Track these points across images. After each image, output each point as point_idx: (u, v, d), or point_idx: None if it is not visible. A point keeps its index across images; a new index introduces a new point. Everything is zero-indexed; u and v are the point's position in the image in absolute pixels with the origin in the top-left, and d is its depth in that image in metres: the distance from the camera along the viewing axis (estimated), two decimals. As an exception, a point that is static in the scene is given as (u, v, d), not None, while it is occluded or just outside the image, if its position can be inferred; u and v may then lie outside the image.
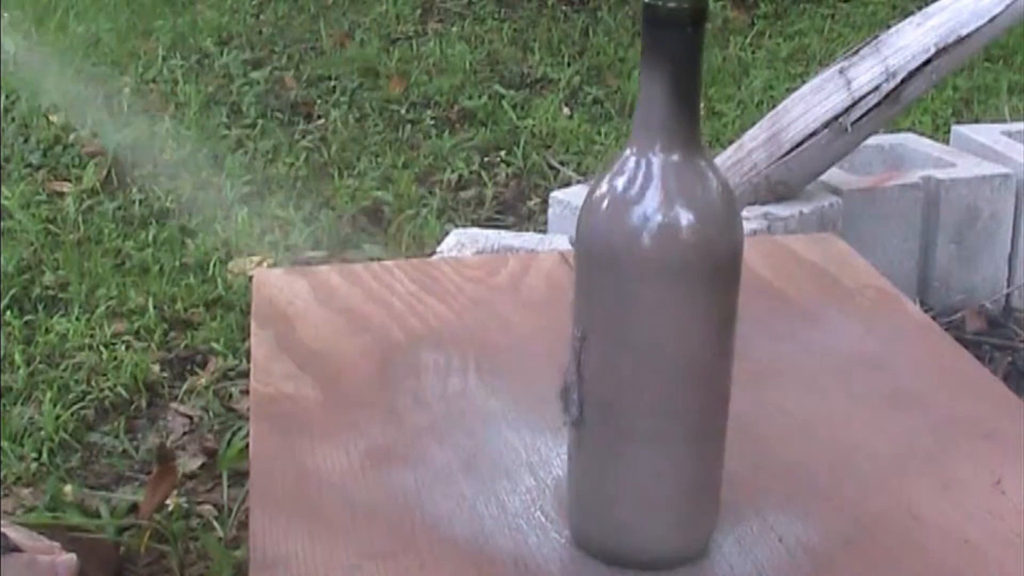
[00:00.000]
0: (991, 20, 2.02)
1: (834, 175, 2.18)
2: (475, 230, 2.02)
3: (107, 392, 2.06)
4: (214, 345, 2.19)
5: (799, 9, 4.29)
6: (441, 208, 2.78)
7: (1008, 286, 2.31)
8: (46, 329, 2.25)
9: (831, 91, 2.03)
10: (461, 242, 1.91)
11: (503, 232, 2.02)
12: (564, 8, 4.27)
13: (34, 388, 2.07)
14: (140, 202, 2.80)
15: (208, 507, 1.77)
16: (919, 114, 3.25)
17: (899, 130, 2.74)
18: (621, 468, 0.81)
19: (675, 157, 0.77)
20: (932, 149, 2.40)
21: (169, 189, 2.85)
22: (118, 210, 2.76)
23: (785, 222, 2.04)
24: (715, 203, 0.79)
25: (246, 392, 2.01)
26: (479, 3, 4.31)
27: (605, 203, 0.79)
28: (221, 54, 3.76)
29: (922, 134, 2.62)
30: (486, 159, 3.08)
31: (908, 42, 2.02)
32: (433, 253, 2.01)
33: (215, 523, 1.73)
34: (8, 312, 2.30)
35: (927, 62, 2.01)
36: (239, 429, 1.91)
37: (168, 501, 1.74)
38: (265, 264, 2.48)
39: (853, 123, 2.01)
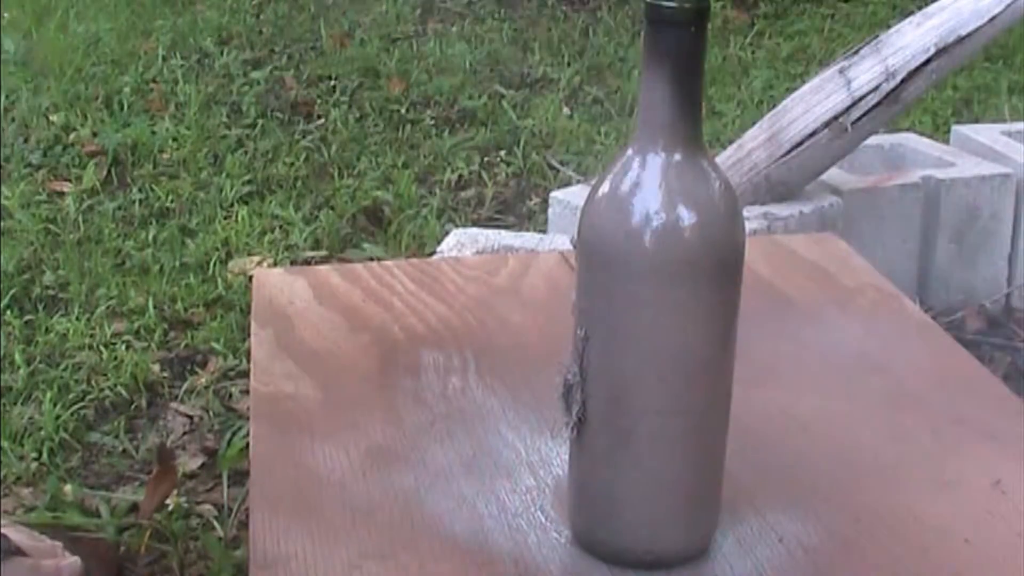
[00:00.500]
0: (991, 20, 2.02)
1: (834, 175, 2.18)
2: (475, 230, 2.02)
3: (107, 392, 2.06)
4: (214, 345, 2.19)
5: (799, 9, 4.29)
6: (441, 208, 2.78)
7: (1008, 286, 2.31)
8: (46, 329, 2.25)
9: (831, 91, 2.03)
10: (461, 242, 1.91)
11: (503, 232, 2.02)
12: (564, 8, 4.27)
13: (34, 388, 2.07)
14: (140, 202, 2.80)
15: (208, 507, 1.77)
16: (919, 114, 3.25)
17: (899, 130, 2.74)
18: (622, 467, 0.81)
19: (677, 156, 0.77)
20: (932, 149, 2.40)
21: (169, 189, 2.85)
22: (118, 210, 2.76)
23: (785, 222, 2.04)
24: (717, 202, 0.79)
25: (246, 392, 2.01)
26: (479, 3, 4.31)
27: (607, 202, 0.79)
28: (221, 54, 3.76)
29: (922, 134, 2.62)
30: (486, 159, 3.07)
31: (908, 42, 2.02)
32: (433, 253, 2.01)
33: (215, 523, 1.73)
34: (8, 312, 2.30)
35: (927, 62, 2.01)
36: (239, 429, 1.91)
37: (168, 501, 1.74)
38: (265, 264, 2.48)
39: (853, 123, 2.01)
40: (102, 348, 2.17)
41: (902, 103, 2.05)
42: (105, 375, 2.10)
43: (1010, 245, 2.30)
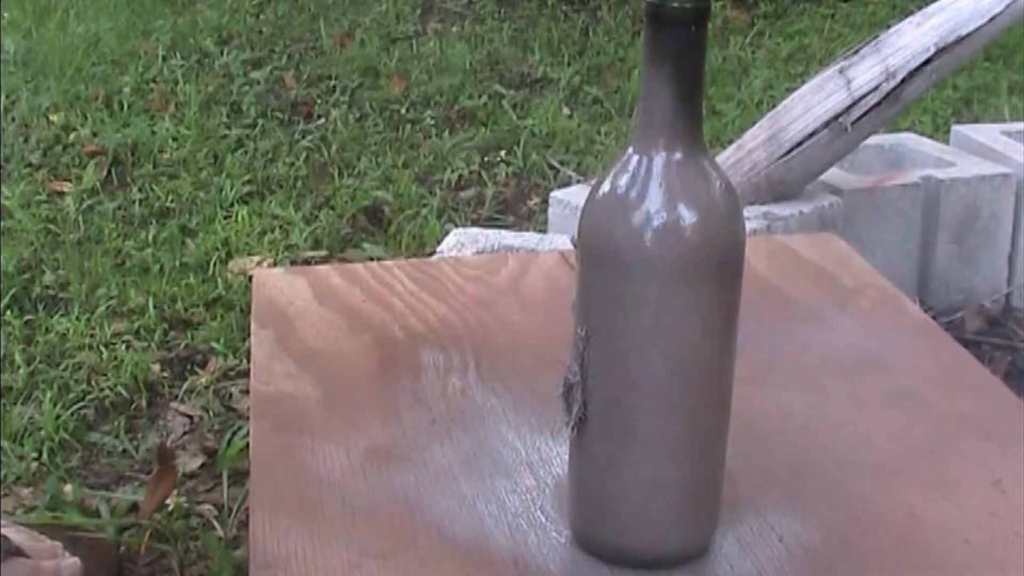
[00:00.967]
0: (991, 20, 2.02)
1: (834, 175, 2.18)
2: (475, 230, 2.02)
3: (107, 392, 2.06)
4: (214, 345, 2.19)
5: (799, 9, 4.29)
6: (441, 208, 2.78)
7: (1008, 286, 2.31)
8: (46, 329, 2.25)
9: (831, 91, 2.03)
10: (461, 242, 1.91)
11: (503, 232, 2.02)
12: (564, 8, 4.27)
13: (34, 388, 2.07)
14: (140, 202, 2.80)
15: (208, 507, 1.77)
16: (919, 114, 3.25)
17: (899, 130, 2.74)
18: (623, 467, 0.81)
19: (678, 155, 0.77)
20: (932, 149, 2.40)
21: (169, 189, 2.85)
22: (118, 210, 2.76)
23: (785, 222, 2.04)
24: (718, 202, 0.79)
25: (246, 392, 2.01)
26: (479, 3, 4.31)
27: (608, 202, 0.79)
28: (221, 54, 3.76)
29: (922, 134, 2.62)
30: (486, 159, 3.08)
31: (908, 42, 2.02)
32: (433, 253, 2.01)
33: (215, 523, 1.73)
34: (8, 312, 2.30)
35: (927, 62, 2.01)
36: (239, 429, 1.91)
37: (168, 501, 1.74)
38: (265, 264, 2.48)
39: (853, 123, 2.01)
40: (102, 348, 2.17)
41: (902, 103, 2.05)
42: (105, 375, 2.10)
43: (1010, 245, 2.30)
